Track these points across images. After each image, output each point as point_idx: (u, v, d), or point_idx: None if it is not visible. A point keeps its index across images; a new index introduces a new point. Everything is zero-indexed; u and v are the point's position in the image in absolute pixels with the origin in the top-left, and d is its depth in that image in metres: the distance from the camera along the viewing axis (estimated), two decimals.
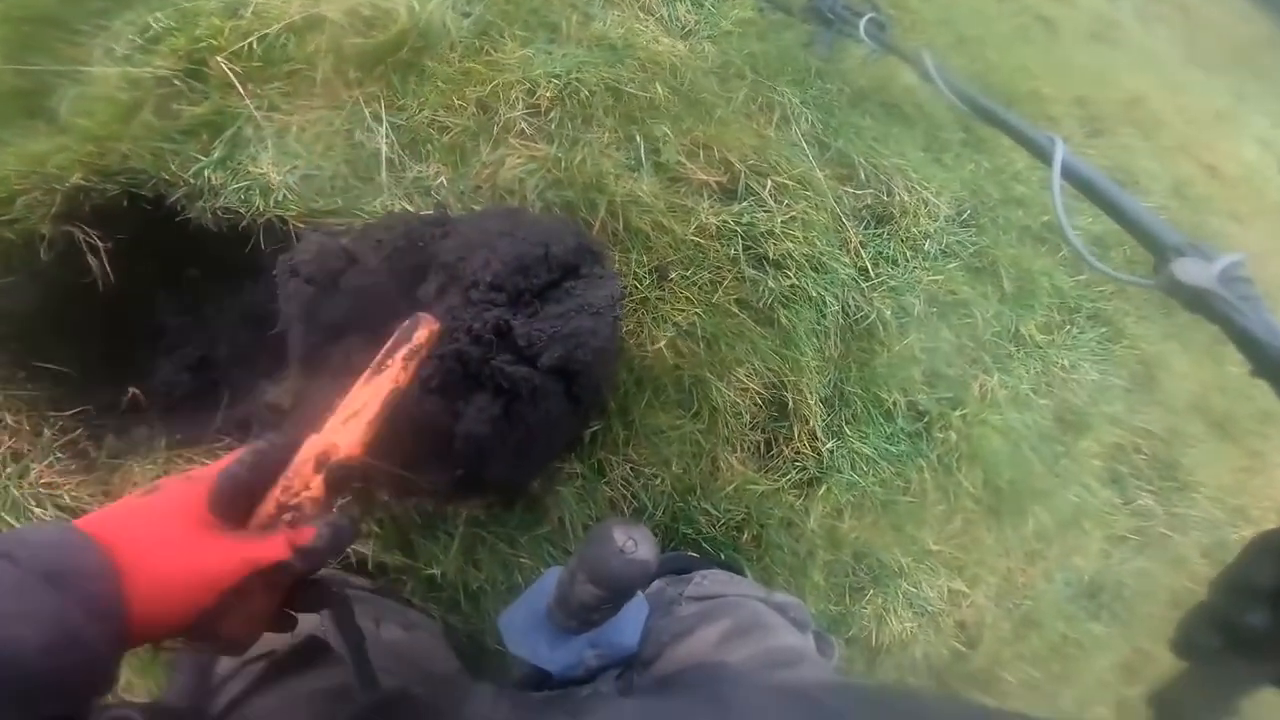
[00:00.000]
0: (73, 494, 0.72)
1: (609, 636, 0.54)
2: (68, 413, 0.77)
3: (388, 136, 0.87)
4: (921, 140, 1.25)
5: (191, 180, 0.80)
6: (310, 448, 0.41)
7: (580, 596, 0.48)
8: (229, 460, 0.38)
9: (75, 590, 0.29)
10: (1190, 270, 0.53)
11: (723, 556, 0.87)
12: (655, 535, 0.86)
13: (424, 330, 0.51)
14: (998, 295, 1.11)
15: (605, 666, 0.54)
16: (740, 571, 0.85)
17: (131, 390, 0.80)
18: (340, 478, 0.41)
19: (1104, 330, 1.17)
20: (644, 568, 0.43)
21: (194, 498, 0.36)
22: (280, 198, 0.81)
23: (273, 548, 0.37)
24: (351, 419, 0.45)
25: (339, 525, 0.40)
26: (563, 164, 0.91)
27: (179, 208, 0.81)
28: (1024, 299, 1.13)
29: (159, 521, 0.34)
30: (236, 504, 0.37)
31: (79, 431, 0.77)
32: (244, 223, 0.82)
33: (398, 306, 0.72)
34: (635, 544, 0.43)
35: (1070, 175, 0.82)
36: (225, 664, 0.52)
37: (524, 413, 0.67)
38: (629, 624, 0.55)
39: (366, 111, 0.88)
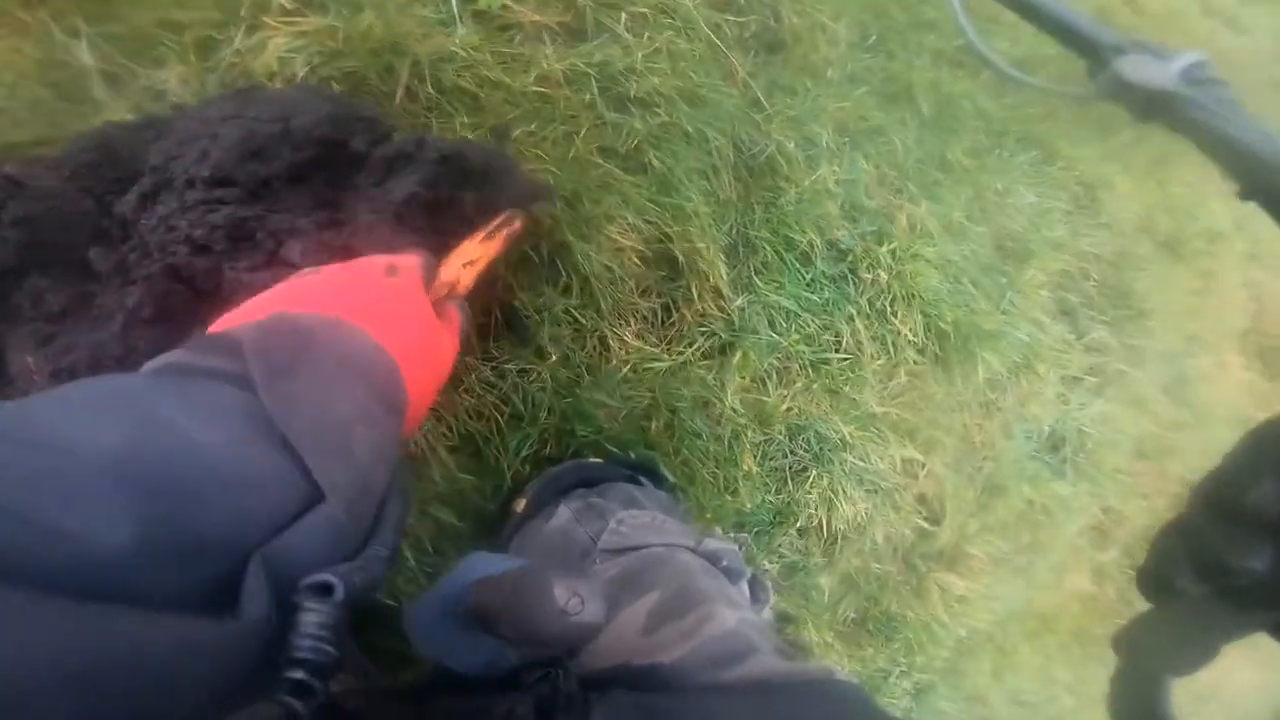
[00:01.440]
0: None
1: None
2: None
3: (100, 48, 0.69)
4: None
5: None
6: (445, 272, 0.47)
7: (505, 635, 0.41)
8: (414, 257, 0.42)
9: (398, 423, 0.33)
10: (1144, 69, 0.42)
11: (632, 456, 0.73)
12: (546, 447, 0.73)
13: (520, 222, 0.57)
14: (917, 121, 0.99)
15: (527, 664, 0.44)
16: (656, 471, 0.72)
17: None
18: (469, 318, 0.47)
19: (1036, 153, 1.07)
20: (591, 630, 0.36)
21: (421, 291, 0.40)
22: None
23: (454, 342, 0.43)
24: (469, 266, 0.50)
25: (464, 309, 0.46)
26: (341, 34, 0.72)
27: None
28: (946, 123, 1.01)
29: (426, 332, 0.38)
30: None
31: None
32: None
33: (100, 227, 0.56)
34: (581, 602, 0.36)
35: None
36: None
37: None
38: None
39: (56, 28, 0.69)
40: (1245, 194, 0.37)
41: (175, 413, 0.24)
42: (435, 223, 0.57)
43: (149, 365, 0.29)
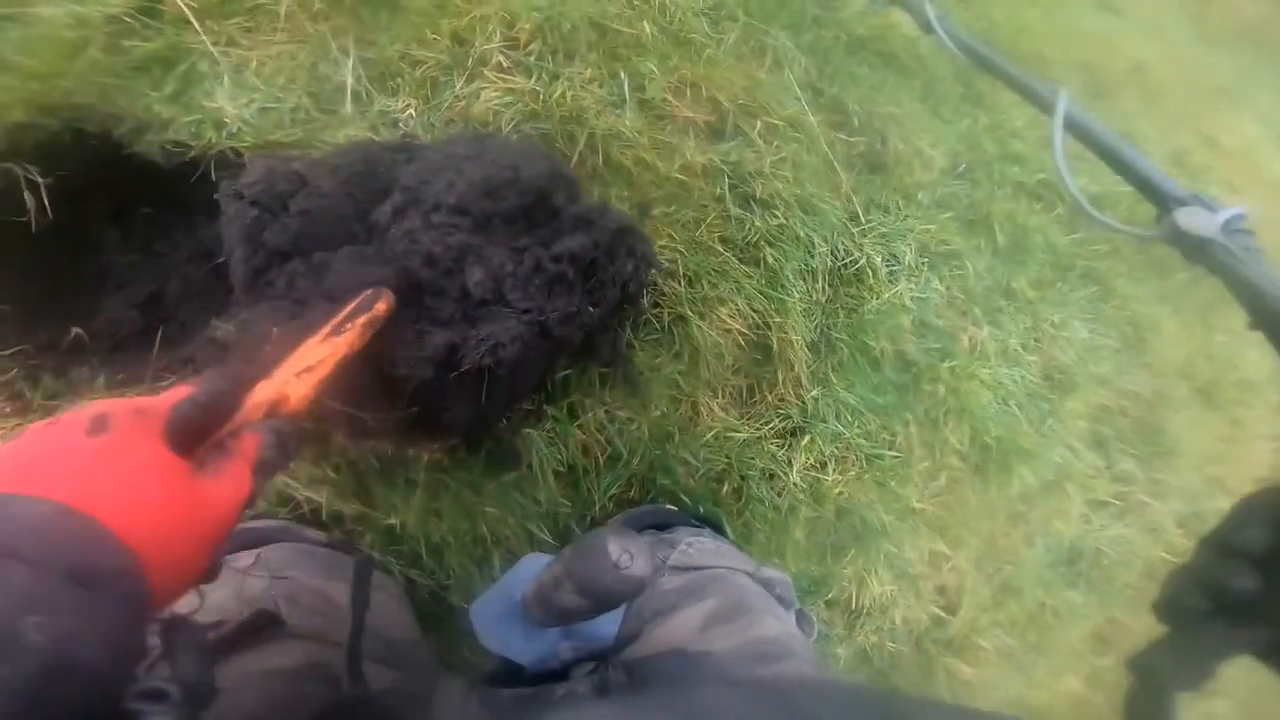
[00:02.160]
0: (5, 439, 0.69)
1: (586, 629, 0.53)
2: (3, 353, 0.74)
3: (354, 69, 0.84)
4: (919, 93, 1.23)
5: (140, 115, 0.78)
6: (262, 392, 0.41)
7: (564, 603, 0.46)
8: (177, 396, 0.36)
9: (107, 591, 0.27)
10: (1194, 219, 0.54)
11: (701, 510, 0.85)
12: (631, 490, 0.85)
13: (384, 303, 0.55)
14: (990, 249, 1.10)
15: (580, 659, 0.53)
16: (720, 527, 0.83)
17: (74, 329, 0.77)
18: (291, 435, 0.41)
19: (1095, 289, 1.18)
20: (639, 584, 0.42)
21: (150, 439, 0.33)
22: (235, 130, 0.79)
23: (243, 480, 0.37)
24: (305, 373, 0.45)
25: (282, 429, 0.40)
26: (540, 98, 0.88)
27: (125, 143, 0.80)
28: (1017, 254, 1.12)
29: (151, 485, 0.32)
30: (189, 444, 0.35)
31: (14, 372, 0.74)
32: (194, 155, 0.80)
33: (351, 230, 0.69)
34: (631, 558, 0.42)
35: (1073, 126, 0.82)
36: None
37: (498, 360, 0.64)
38: (607, 616, 0.54)
39: (334, 44, 0.86)
40: (1253, 325, 0.48)
41: None
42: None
43: None
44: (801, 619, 0.65)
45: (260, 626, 0.46)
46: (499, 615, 0.51)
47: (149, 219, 0.90)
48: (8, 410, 0.73)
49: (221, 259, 0.81)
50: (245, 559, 0.59)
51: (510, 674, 0.53)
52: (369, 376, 0.62)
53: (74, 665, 0.25)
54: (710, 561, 0.65)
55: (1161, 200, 0.65)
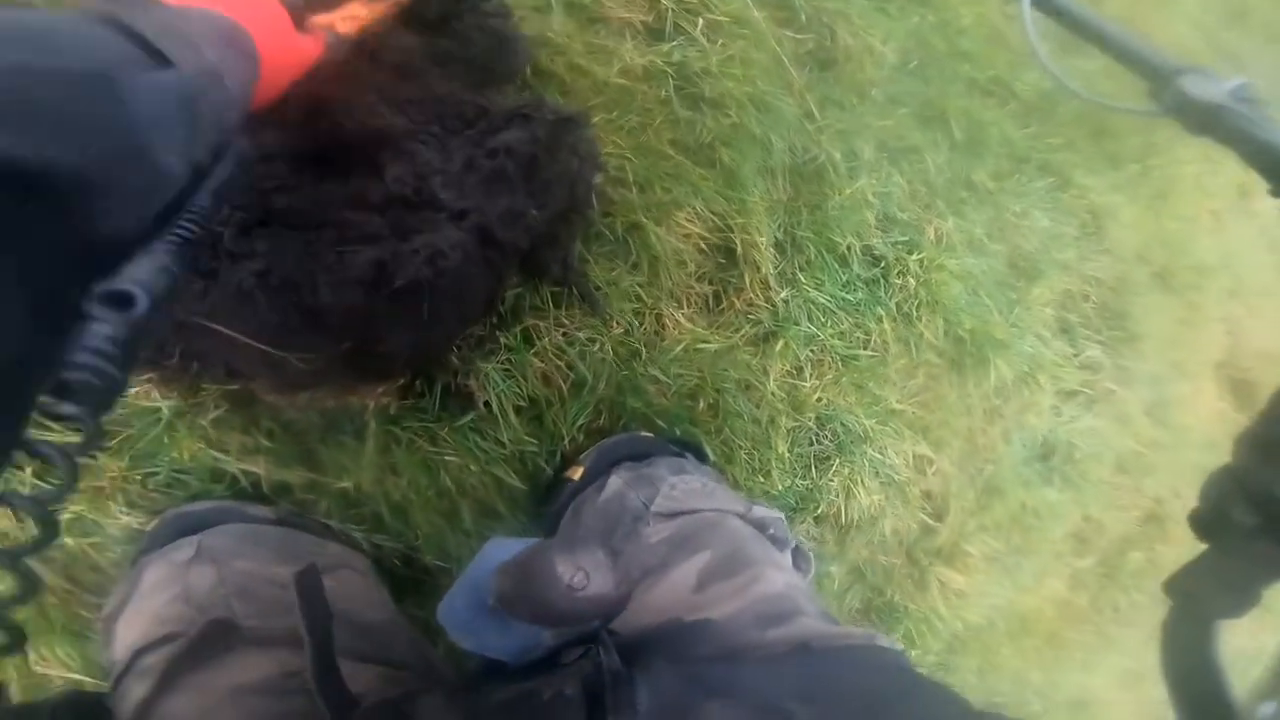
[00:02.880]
0: None
1: None
2: None
3: None
4: None
5: None
6: (321, 19, 0.50)
7: (526, 619, 0.42)
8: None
9: (250, 69, 0.36)
10: (1203, 86, 0.51)
11: (678, 432, 0.81)
12: (600, 418, 0.79)
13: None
14: (948, 143, 1.08)
15: (565, 644, 0.47)
16: (700, 449, 0.79)
17: None
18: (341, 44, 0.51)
19: (1053, 180, 1.17)
20: (600, 603, 0.37)
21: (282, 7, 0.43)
22: None
23: (318, 43, 0.48)
24: (348, 20, 0.53)
25: (336, 42, 0.50)
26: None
27: None
28: (974, 148, 1.10)
29: (278, 26, 0.42)
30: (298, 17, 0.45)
31: None
32: None
33: None
34: (586, 576, 0.37)
35: (1043, 5, 0.78)
36: (118, 655, 0.45)
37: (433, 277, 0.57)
38: None
39: None
40: (1275, 191, 0.44)
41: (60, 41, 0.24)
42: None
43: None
44: (798, 556, 0.62)
45: (219, 639, 0.42)
46: (468, 611, 0.46)
47: None
48: None
49: None
50: (185, 550, 0.53)
51: (493, 668, 0.48)
52: (286, 310, 0.54)
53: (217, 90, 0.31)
54: (698, 504, 0.60)
55: (1158, 73, 0.62)
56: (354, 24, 0.54)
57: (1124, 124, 1.31)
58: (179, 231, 0.26)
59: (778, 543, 0.62)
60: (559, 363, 0.75)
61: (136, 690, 0.42)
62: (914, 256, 0.94)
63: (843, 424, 0.90)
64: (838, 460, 0.92)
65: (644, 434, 0.79)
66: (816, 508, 0.94)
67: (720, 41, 0.92)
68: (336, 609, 0.50)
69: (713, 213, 0.81)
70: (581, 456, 0.75)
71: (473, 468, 0.72)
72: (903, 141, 1.03)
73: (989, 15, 1.33)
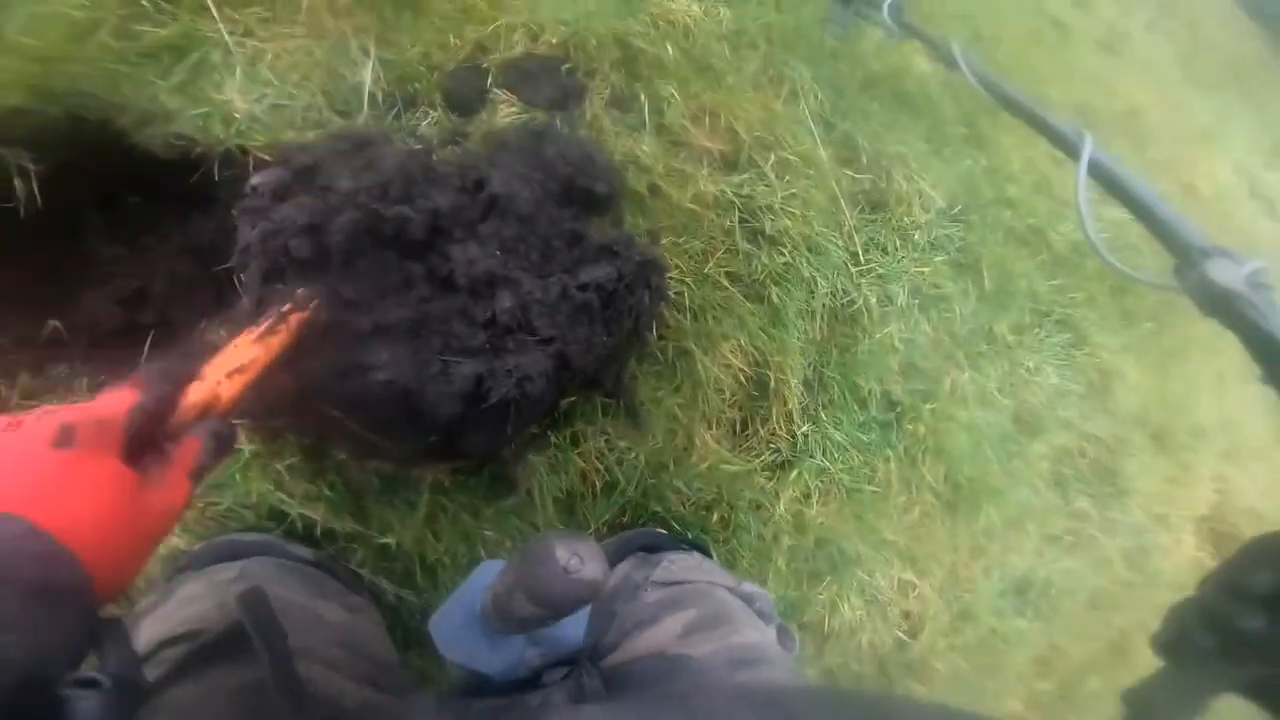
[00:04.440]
0: None
1: (551, 634, 0.53)
2: None
3: (374, 70, 0.83)
4: (925, 132, 1.27)
5: (145, 105, 0.76)
6: (195, 393, 0.42)
7: (520, 612, 0.45)
8: (124, 402, 0.37)
9: (63, 607, 0.30)
10: (1223, 272, 0.53)
11: (690, 536, 0.89)
12: (624, 516, 0.88)
13: (317, 304, 0.56)
14: (977, 293, 1.16)
15: (549, 664, 0.53)
16: (707, 550, 0.87)
17: (52, 323, 0.76)
18: (226, 437, 0.42)
19: (1069, 336, 1.26)
20: (591, 587, 0.41)
21: (109, 454, 0.35)
22: (244, 127, 0.78)
23: (182, 487, 0.38)
24: (236, 374, 0.45)
25: (219, 431, 0.42)
26: (559, 116, 0.88)
27: (126, 133, 0.78)
28: (1001, 299, 1.19)
29: (107, 502, 0.34)
30: (139, 452, 0.37)
31: None
32: (198, 151, 0.78)
33: (377, 243, 0.69)
34: (581, 561, 0.41)
35: (1096, 170, 0.81)
36: (143, 641, 0.49)
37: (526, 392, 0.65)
38: (571, 620, 0.53)
39: (353, 42, 0.84)
40: (1267, 379, 0.48)
41: None
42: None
43: None
44: (782, 634, 0.67)
45: (239, 641, 0.44)
46: (459, 626, 0.50)
47: (138, 210, 0.88)
48: None
49: (225, 264, 0.82)
50: (229, 571, 0.59)
51: (478, 686, 0.52)
52: (398, 409, 0.63)
53: (41, 677, 0.28)
54: (692, 576, 0.68)
55: (1186, 250, 0.61)
56: (241, 380, 0.46)
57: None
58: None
59: (763, 616, 0.67)
60: (598, 464, 0.84)
61: (150, 674, 0.44)
62: (928, 406, 1.03)
63: (839, 548, 0.99)
64: (829, 578, 1.00)
65: (659, 530, 0.88)
66: (803, 615, 1.02)
67: (787, 179, 1.01)
68: (350, 645, 0.57)
69: (755, 348, 0.89)
70: (602, 544, 0.84)
71: (506, 544, 0.81)
72: (936, 290, 1.11)
73: (1038, 161, 1.42)
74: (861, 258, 1.04)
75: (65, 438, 0.33)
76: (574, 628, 0.54)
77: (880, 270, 1.05)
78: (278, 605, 0.51)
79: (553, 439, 0.80)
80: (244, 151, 0.80)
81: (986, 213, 1.25)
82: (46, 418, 0.34)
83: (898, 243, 1.11)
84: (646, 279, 0.76)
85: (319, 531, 0.76)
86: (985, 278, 1.18)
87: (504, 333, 0.67)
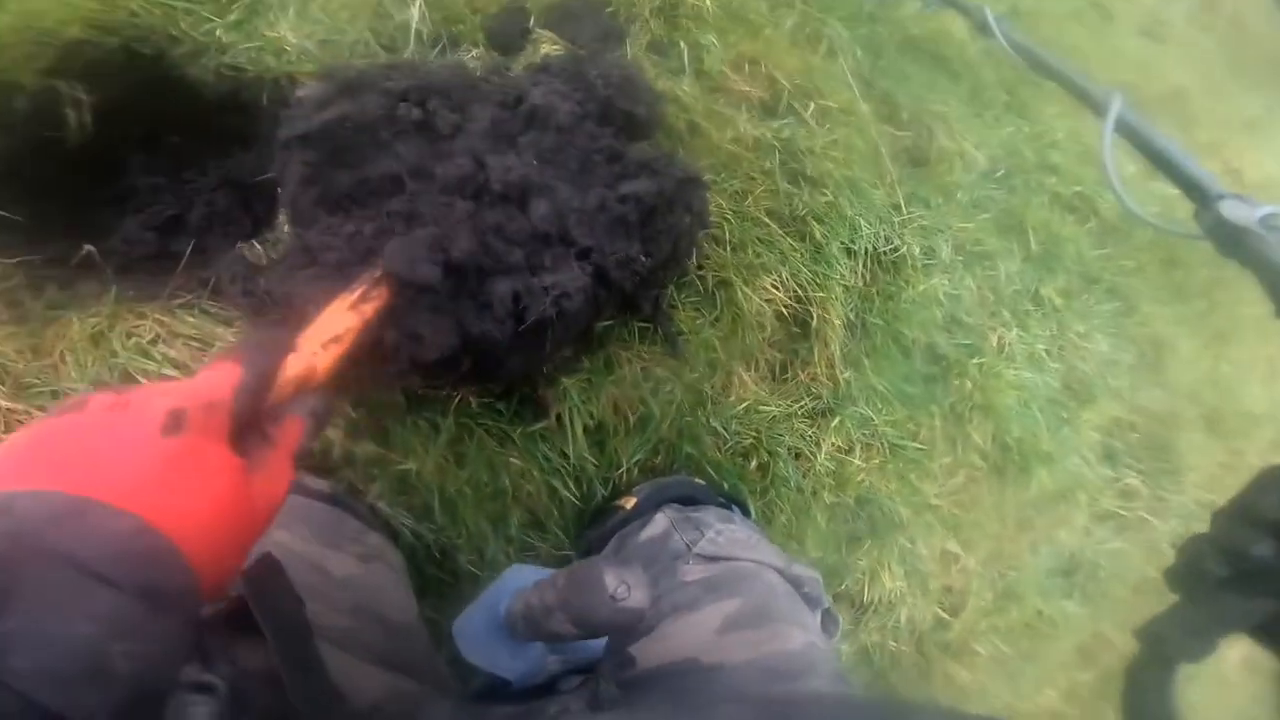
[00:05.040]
0: None
1: (575, 644, 0.51)
2: (8, 260, 0.69)
3: (420, 8, 0.82)
4: (965, 96, 1.22)
5: (200, 39, 0.76)
6: (292, 366, 0.39)
7: (555, 629, 0.44)
8: (227, 379, 0.34)
9: (171, 611, 0.27)
10: (1236, 210, 0.55)
11: (727, 486, 0.83)
12: (657, 457, 0.82)
13: (391, 288, 0.51)
14: (1023, 254, 1.10)
15: (568, 671, 0.51)
16: (745, 505, 0.80)
17: (87, 246, 0.73)
18: (324, 414, 0.40)
19: (1119, 305, 1.18)
20: (637, 615, 0.40)
21: (218, 440, 0.32)
22: (294, 59, 0.77)
23: (285, 473, 0.36)
24: (332, 344, 0.43)
25: (318, 410, 0.40)
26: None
27: (179, 65, 0.78)
28: (1048, 261, 1.12)
29: (218, 497, 0.31)
30: (244, 435, 0.35)
31: (16, 279, 0.69)
32: (248, 81, 0.78)
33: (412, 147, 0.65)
34: (628, 589, 0.40)
35: (1123, 129, 0.81)
36: None
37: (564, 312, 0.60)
38: None
39: None
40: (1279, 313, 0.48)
41: None
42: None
43: None
44: (827, 618, 0.63)
45: (245, 618, 0.38)
46: (483, 630, 0.48)
47: (181, 147, 0.87)
48: (3, 318, 0.68)
49: (258, 194, 0.79)
50: None
51: (495, 687, 0.50)
52: (444, 332, 0.57)
53: (154, 688, 0.25)
54: (740, 553, 0.61)
55: (1205, 196, 0.64)
56: (338, 349, 0.43)
57: (1194, 256, 1.31)
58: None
59: (810, 601, 0.62)
60: (632, 394, 0.77)
61: None
62: (974, 361, 0.96)
63: (881, 508, 0.92)
64: (869, 542, 0.93)
65: (696, 479, 0.81)
66: (840, 583, 0.95)
67: (827, 126, 0.97)
68: (362, 603, 0.52)
69: (796, 284, 0.84)
70: (635, 489, 0.78)
71: (534, 473, 0.75)
72: (980, 247, 1.05)
73: (1082, 132, 1.36)
74: (904, 209, 0.98)
75: (175, 423, 0.30)
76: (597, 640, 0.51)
77: (923, 223, 0.99)
78: (281, 557, 0.47)
79: (586, 363, 0.74)
80: (292, 80, 0.78)
81: (1030, 177, 1.19)
82: (155, 399, 0.31)
83: (940, 199, 1.05)
84: (687, 199, 0.72)
85: (336, 454, 0.70)
86: (1031, 240, 1.12)
87: (541, 245, 0.62)
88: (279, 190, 0.69)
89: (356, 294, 0.48)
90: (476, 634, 0.48)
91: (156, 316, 0.71)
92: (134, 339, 0.70)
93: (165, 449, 0.29)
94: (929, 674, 1.08)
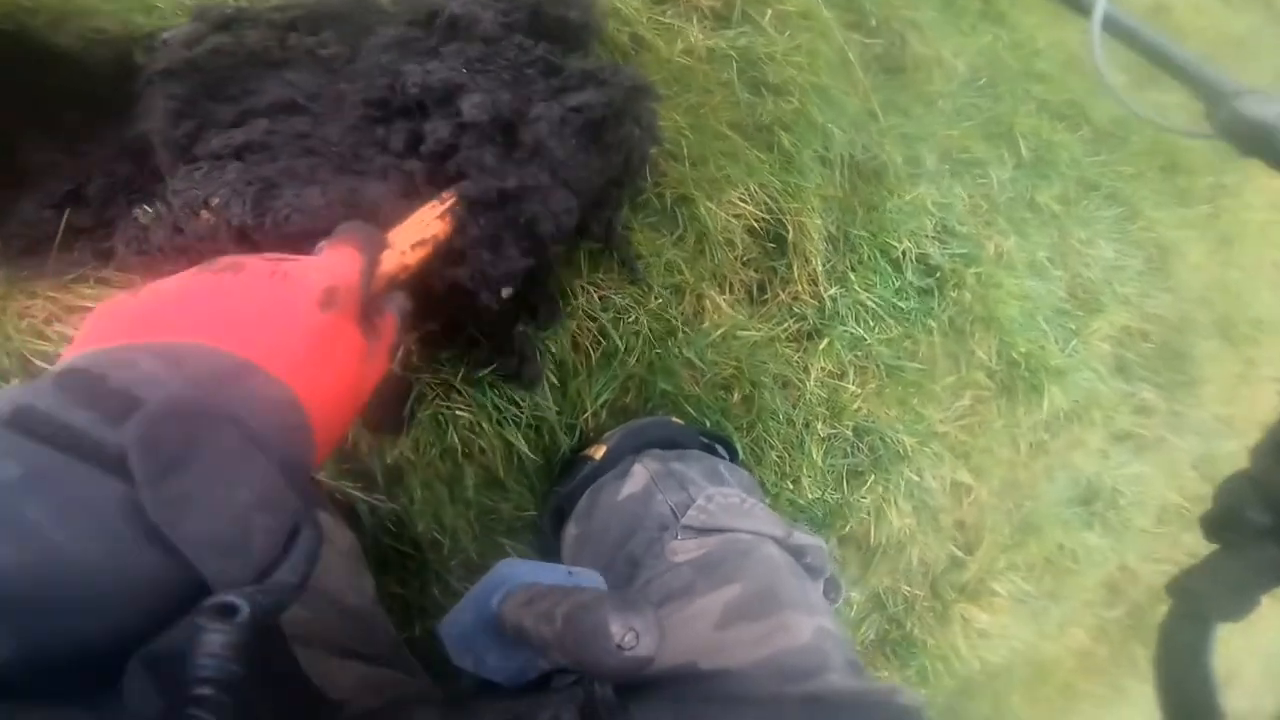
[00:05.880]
0: None
1: None
2: None
3: None
4: (937, 3, 1.10)
5: (57, 4, 0.65)
6: (387, 262, 0.38)
7: (555, 660, 0.41)
8: (351, 265, 0.33)
9: (294, 490, 0.26)
10: (1258, 107, 0.50)
11: (709, 424, 0.72)
12: (627, 396, 0.71)
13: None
14: (1014, 161, 0.98)
15: (559, 669, 0.46)
16: (733, 450, 0.69)
17: None
18: (408, 315, 0.39)
19: (1120, 210, 1.07)
20: (644, 663, 0.35)
21: (353, 321, 0.32)
22: (167, 14, 0.65)
23: (384, 364, 0.35)
24: (419, 246, 0.42)
25: (405, 308, 0.39)
26: None
27: (44, 35, 0.66)
28: (1041, 169, 1.00)
29: (349, 378, 0.31)
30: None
31: None
32: (119, 42, 0.66)
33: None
34: (637, 636, 0.35)
35: (1112, 27, 0.72)
36: None
37: None
38: None
39: None
40: None
41: (44, 518, 0.21)
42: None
43: (21, 403, 0.23)
44: (829, 586, 0.55)
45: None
46: (471, 630, 0.43)
47: (71, 119, 0.77)
48: None
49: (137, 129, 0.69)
50: None
51: (483, 684, 0.45)
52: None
53: (275, 563, 0.24)
54: (733, 522, 0.53)
55: (1215, 95, 0.58)
56: (423, 251, 0.42)
57: (1196, 161, 1.19)
58: (286, 577, 0.25)
59: (812, 571, 0.54)
60: (589, 325, 0.66)
61: None
62: (971, 270, 0.85)
63: (882, 438, 0.81)
64: (872, 477, 0.82)
65: (674, 419, 0.70)
66: (844, 526, 0.84)
67: (788, 33, 0.85)
68: (318, 588, 0.45)
69: (767, 195, 0.72)
70: (605, 435, 0.67)
71: (484, 425, 0.64)
72: (967, 154, 0.93)
73: (1066, 41, 1.23)
74: (881, 116, 0.87)
75: (330, 300, 0.30)
76: None
77: (903, 130, 0.88)
78: None
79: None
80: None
81: (1015, 85, 1.07)
82: (311, 273, 0.31)
83: (920, 108, 0.94)
84: (635, 112, 0.60)
85: None
86: (1021, 146, 1.00)
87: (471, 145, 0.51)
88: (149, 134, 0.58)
89: (446, 204, 0.46)
90: (463, 634, 0.43)
91: (49, 295, 0.61)
92: (27, 320, 0.60)
93: (319, 324, 0.29)
94: (946, 618, 0.97)
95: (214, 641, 0.21)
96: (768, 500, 0.77)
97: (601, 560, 0.56)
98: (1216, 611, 0.29)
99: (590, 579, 0.46)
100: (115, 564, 0.21)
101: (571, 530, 0.62)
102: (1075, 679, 1.26)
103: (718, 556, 0.50)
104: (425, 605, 0.66)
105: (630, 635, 0.34)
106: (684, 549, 0.51)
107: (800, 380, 0.74)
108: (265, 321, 0.28)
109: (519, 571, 0.45)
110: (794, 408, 0.75)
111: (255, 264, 0.30)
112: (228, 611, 0.22)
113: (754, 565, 0.49)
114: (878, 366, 0.79)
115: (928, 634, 0.97)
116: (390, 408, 0.60)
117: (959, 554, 0.96)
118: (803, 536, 0.54)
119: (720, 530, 0.52)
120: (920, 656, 0.97)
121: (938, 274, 0.84)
